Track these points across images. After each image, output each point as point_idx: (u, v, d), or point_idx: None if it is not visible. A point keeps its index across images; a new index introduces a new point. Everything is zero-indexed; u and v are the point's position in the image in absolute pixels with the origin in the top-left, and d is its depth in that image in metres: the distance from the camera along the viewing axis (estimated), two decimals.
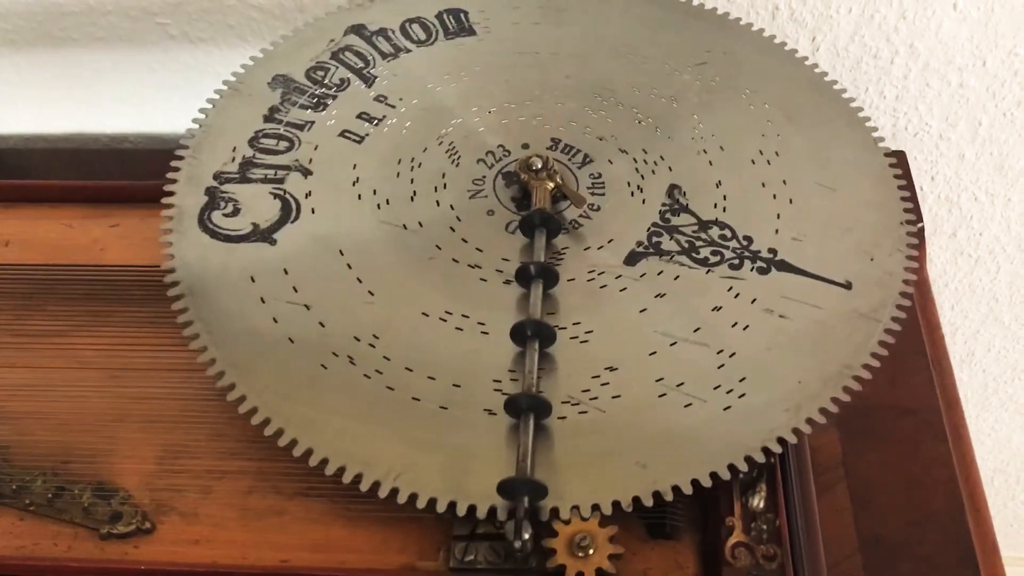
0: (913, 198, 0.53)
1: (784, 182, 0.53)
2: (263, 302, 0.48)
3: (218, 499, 0.47)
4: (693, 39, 0.60)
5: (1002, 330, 0.94)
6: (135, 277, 0.56)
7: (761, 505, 0.44)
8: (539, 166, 0.52)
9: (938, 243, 0.85)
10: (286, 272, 0.50)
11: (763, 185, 0.53)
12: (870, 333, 0.47)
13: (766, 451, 0.43)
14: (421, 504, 0.42)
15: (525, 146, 0.55)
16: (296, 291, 0.49)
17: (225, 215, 0.52)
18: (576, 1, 0.63)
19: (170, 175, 0.53)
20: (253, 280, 0.49)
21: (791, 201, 0.52)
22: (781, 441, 0.43)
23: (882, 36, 0.70)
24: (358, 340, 0.47)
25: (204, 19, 0.70)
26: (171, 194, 0.52)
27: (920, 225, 0.52)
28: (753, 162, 0.54)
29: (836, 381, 0.45)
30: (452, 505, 0.42)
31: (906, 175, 0.55)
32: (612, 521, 0.41)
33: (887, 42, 0.70)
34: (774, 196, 0.52)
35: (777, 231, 0.51)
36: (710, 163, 0.54)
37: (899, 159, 0.55)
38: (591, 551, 0.41)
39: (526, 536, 0.40)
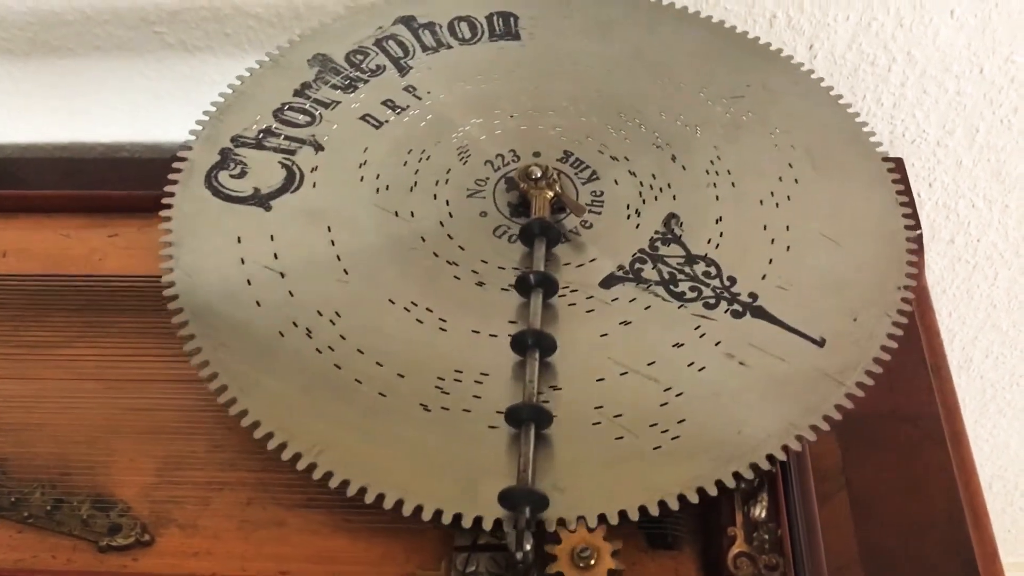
0: (911, 205, 0.53)
1: (787, 228, 0.51)
2: (243, 263, 0.50)
3: (217, 510, 0.47)
4: (736, 71, 0.59)
5: (1000, 336, 0.94)
6: (133, 287, 0.56)
7: (763, 515, 0.44)
8: (538, 175, 0.52)
9: (936, 249, 0.85)
10: (272, 238, 0.51)
11: (764, 228, 0.51)
12: (828, 394, 0.44)
13: (681, 498, 0.41)
14: (334, 484, 0.42)
15: (536, 154, 0.55)
16: (276, 258, 0.50)
17: (232, 176, 0.53)
18: (628, 18, 0.62)
19: (192, 130, 0.55)
20: (239, 241, 0.50)
21: (788, 248, 0.50)
22: (700, 491, 0.41)
23: (879, 43, 0.70)
24: (320, 315, 0.48)
25: (201, 28, 0.70)
26: (189, 148, 0.54)
27: (918, 232, 0.52)
28: (761, 203, 0.52)
29: (778, 438, 0.43)
30: (363, 490, 0.42)
31: (904, 182, 0.54)
32: (613, 532, 0.41)
33: (884, 49, 0.70)
34: (772, 240, 0.51)
35: (764, 276, 0.49)
36: (716, 198, 0.53)
37: (897, 166, 0.55)
38: (592, 562, 0.41)
39: (528, 547, 0.40)
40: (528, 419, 0.43)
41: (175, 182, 0.53)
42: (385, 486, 0.42)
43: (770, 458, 0.42)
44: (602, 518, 0.41)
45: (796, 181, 0.53)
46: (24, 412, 0.51)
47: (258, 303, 0.48)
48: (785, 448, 0.43)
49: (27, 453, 0.49)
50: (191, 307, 0.47)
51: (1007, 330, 0.93)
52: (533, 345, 0.45)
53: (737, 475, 0.42)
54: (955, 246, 0.85)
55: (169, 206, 0.51)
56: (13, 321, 0.55)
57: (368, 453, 0.43)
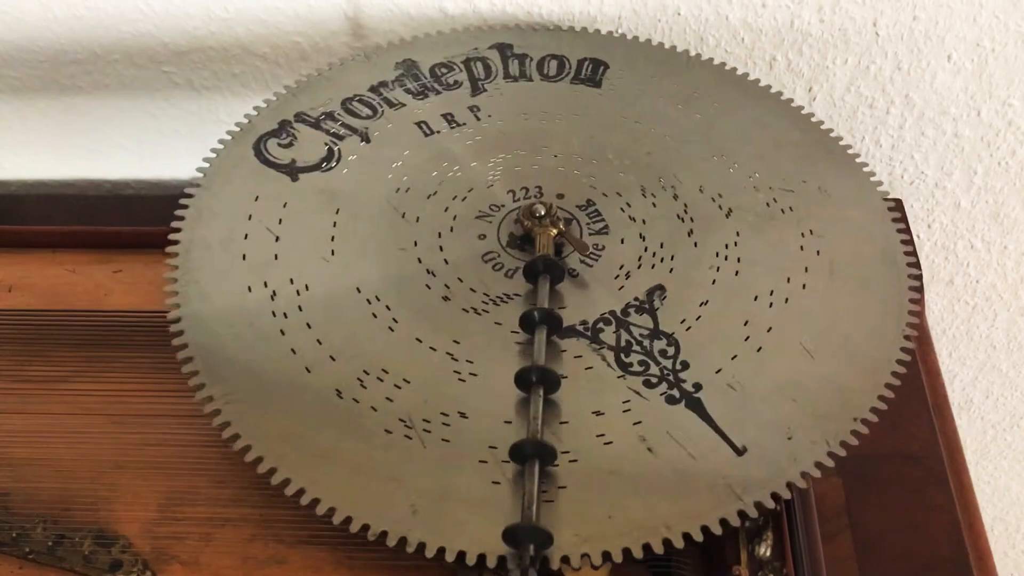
0: (911, 246, 0.53)
1: (769, 329, 0.49)
2: (249, 219, 0.53)
3: (219, 547, 0.47)
4: (799, 165, 0.56)
5: (1000, 377, 0.94)
6: (138, 322, 0.57)
7: (768, 553, 0.44)
8: (542, 213, 0.52)
9: (935, 290, 0.86)
10: (284, 205, 0.54)
11: (745, 323, 0.49)
12: (719, 504, 0.42)
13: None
14: (226, 435, 0.44)
15: (560, 196, 0.55)
16: (280, 223, 0.53)
17: (280, 144, 0.56)
18: (715, 92, 0.61)
19: (264, 99, 0.59)
20: (256, 199, 0.54)
21: (759, 349, 0.48)
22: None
23: (878, 87, 0.71)
24: (291, 283, 0.50)
25: (209, 67, 0.71)
26: (255, 114, 0.58)
27: (918, 273, 0.52)
28: (756, 298, 0.50)
29: (643, 533, 0.41)
30: (247, 448, 0.43)
31: (903, 223, 0.54)
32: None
33: (883, 92, 0.71)
34: (747, 338, 0.48)
35: (719, 370, 0.47)
36: (713, 282, 0.51)
37: (897, 207, 0.55)
38: None
39: None
40: (532, 455, 0.43)
41: (230, 138, 0.56)
42: (268, 452, 0.43)
43: (625, 551, 0.40)
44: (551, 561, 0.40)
45: (804, 286, 0.50)
46: (27, 447, 0.51)
47: (244, 256, 0.51)
48: (647, 546, 0.40)
49: (29, 488, 0.49)
50: (188, 240, 0.51)
51: (1007, 371, 0.94)
52: (537, 382, 0.45)
53: (586, 557, 0.40)
54: (954, 287, 0.85)
55: (214, 155, 0.55)
56: (17, 356, 0.55)
57: (266, 417, 0.45)
